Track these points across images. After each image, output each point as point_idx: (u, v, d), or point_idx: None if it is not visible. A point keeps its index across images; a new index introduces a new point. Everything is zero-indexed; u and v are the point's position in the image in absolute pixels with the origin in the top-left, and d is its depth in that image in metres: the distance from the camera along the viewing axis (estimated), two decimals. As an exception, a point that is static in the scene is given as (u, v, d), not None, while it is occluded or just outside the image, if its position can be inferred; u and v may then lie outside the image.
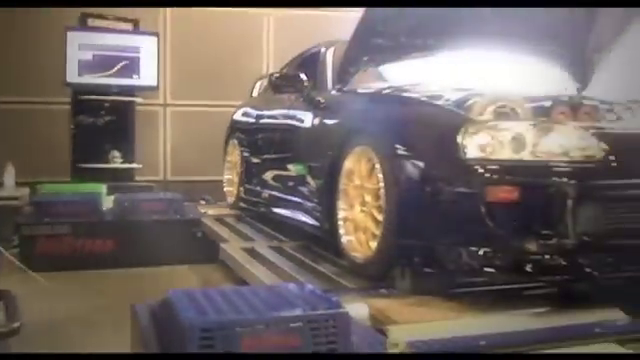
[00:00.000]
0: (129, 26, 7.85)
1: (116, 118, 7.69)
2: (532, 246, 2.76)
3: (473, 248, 2.84)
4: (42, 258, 5.12)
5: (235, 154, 6.21)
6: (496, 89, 3.42)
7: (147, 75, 7.76)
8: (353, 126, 3.68)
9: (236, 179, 6.11)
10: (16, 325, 2.65)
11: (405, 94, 3.72)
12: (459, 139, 2.83)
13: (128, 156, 7.68)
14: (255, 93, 6.71)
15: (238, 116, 6.39)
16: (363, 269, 3.40)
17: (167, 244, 5.32)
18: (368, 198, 3.37)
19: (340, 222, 3.63)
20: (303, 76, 4.55)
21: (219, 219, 5.79)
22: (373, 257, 3.28)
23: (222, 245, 4.64)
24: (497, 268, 2.83)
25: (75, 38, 7.43)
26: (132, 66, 7.68)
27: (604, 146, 2.82)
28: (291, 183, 4.59)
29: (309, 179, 4.16)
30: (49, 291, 4.46)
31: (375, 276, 3.29)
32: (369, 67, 4.18)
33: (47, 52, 7.60)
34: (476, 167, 2.79)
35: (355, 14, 3.78)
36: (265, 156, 5.37)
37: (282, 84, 4.69)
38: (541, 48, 4.33)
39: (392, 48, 4.02)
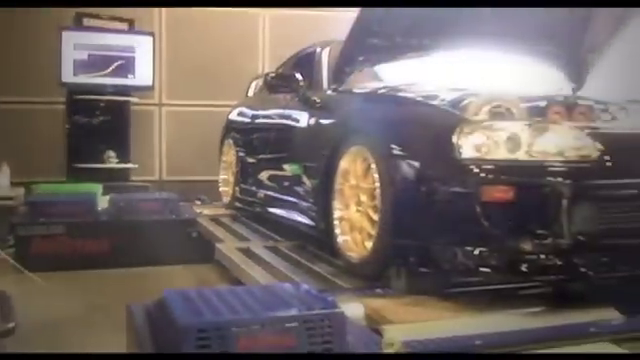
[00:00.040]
0: (124, 26, 7.85)
1: (111, 118, 7.69)
2: (527, 246, 2.76)
3: (468, 248, 2.84)
4: (37, 258, 5.11)
5: (231, 154, 6.21)
6: (491, 89, 3.42)
7: (142, 75, 7.76)
8: (349, 126, 3.69)
9: (232, 179, 6.11)
10: (11, 325, 2.65)
11: (401, 94, 3.72)
12: (454, 139, 2.83)
13: (123, 156, 7.67)
14: (250, 93, 6.71)
15: (234, 116, 6.39)
16: (359, 269, 3.40)
17: (163, 244, 5.32)
18: (364, 198, 3.37)
19: (336, 222, 3.63)
20: (299, 76, 4.55)
21: (215, 219, 5.78)
22: (369, 257, 3.28)
23: (218, 245, 4.64)
24: (492, 268, 2.84)
25: (70, 38, 7.43)
26: (127, 66, 7.67)
27: (599, 146, 2.83)
28: (287, 183, 4.59)
29: (305, 179, 4.16)
30: (44, 291, 4.45)
31: (371, 276, 3.29)
32: (365, 67, 4.18)
33: (42, 52, 7.59)
34: (471, 167, 2.80)
35: (351, 14, 3.77)
36: (261, 156, 5.37)
37: (278, 84, 4.70)
38: (536, 48, 4.33)
39: (388, 48, 4.02)
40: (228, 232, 5.20)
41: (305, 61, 4.92)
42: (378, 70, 4.35)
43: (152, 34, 7.95)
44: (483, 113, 3.02)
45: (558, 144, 2.81)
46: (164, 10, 8.43)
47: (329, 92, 4.30)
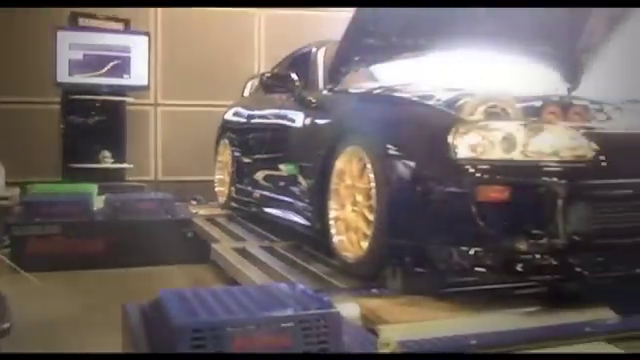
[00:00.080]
0: (120, 26, 7.83)
1: (107, 118, 7.67)
2: (523, 246, 2.77)
3: (464, 248, 2.85)
4: (33, 258, 5.10)
5: (226, 154, 6.20)
6: (487, 89, 3.43)
7: (138, 75, 7.74)
8: (344, 126, 3.69)
9: (227, 179, 6.10)
10: (6, 326, 2.64)
11: (396, 94, 3.73)
12: (450, 139, 2.84)
13: (119, 156, 7.66)
14: (246, 93, 6.70)
15: (229, 116, 6.39)
16: (354, 269, 3.40)
17: (158, 244, 5.31)
18: (359, 198, 3.38)
19: (331, 222, 3.63)
20: (294, 76, 4.55)
21: (210, 219, 5.78)
22: (364, 257, 3.29)
23: (213, 245, 4.63)
24: (488, 268, 2.84)
25: (65, 38, 7.41)
26: (123, 66, 7.66)
27: (594, 146, 2.84)
28: (282, 183, 4.59)
29: (300, 179, 4.16)
30: (40, 291, 4.44)
31: (366, 276, 3.29)
32: (360, 67, 4.18)
33: (37, 51, 7.57)
34: (467, 167, 2.80)
35: (346, 14, 3.78)
36: (256, 156, 5.37)
37: (273, 84, 4.70)
38: (532, 48, 4.34)
39: (383, 48, 4.02)
40: (224, 232, 5.20)
41: (301, 61, 4.92)
42: (374, 70, 4.35)
43: (148, 34, 7.94)
44: (478, 113, 3.02)
45: (553, 144, 2.82)
46: (160, 10, 8.42)
47: (325, 92, 4.30)
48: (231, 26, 8.56)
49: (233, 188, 5.91)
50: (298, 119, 4.37)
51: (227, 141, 6.21)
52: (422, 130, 3.15)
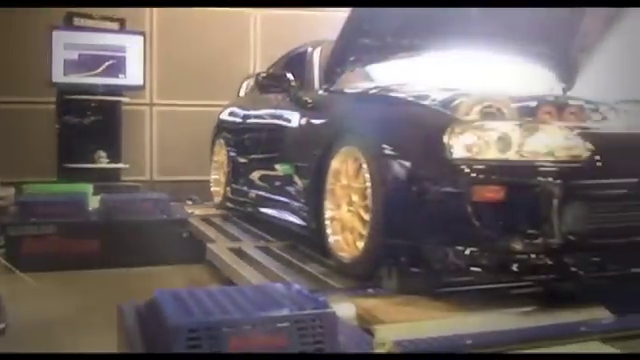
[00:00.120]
0: (115, 25, 7.82)
1: (102, 118, 7.67)
2: (518, 245, 2.77)
3: (459, 247, 2.85)
4: (28, 258, 5.08)
5: (222, 154, 6.20)
6: (482, 89, 3.43)
7: (133, 75, 7.74)
8: (340, 126, 3.69)
9: (223, 179, 6.10)
10: (1, 326, 2.64)
11: (392, 94, 3.73)
12: (445, 139, 2.84)
13: (114, 156, 7.66)
14: (242, 93, 6.70)
15: (225, 116, 6.39)
16: (350, 269, 3.40)
17: (154, 244, 5.31)
18: (355, 198, 3.38)
19: (327, 222, 3.63)
20: (290, 76, 4.55)
21: (206, 219, 5.78)
22: (360, 257, 3.29)
23: (209, 245, 4.63)
24: (483, 267, 2.84)
25: (61, 37, 7.40)
26: (118, 65, 7.65)
27: (589, 146, 2.84)
28: (278, 183, 4.59)
29: (296, 179, 4.16)
30: (35, 291, 4.43)
31: (362, 276, 3.29)
32: (356, 67, 4.18)
33: (32, 51, 7.56)
34: (462, 167, 2.80)
35: (342, 14, 3.78)
36: (252, 156, 5.37)
37: (269, 84, 4.69)
38: (527, 48, 4.35)
39: (379, 48, 4.02)
40: (219, 232, 5.20)
41: (296, 61, 4.92)
42: (369, 70, 4.35)
43: (143, 34, 7.93)
44: (474, 113, 3.03)
45: (548, 144, 2.82)
46: (155, 10, 8.41)
47: (320, 92, 4.30)
48: (227, 26, 8.56)
49: (229, 188, 5.91)
50: (294, 119, 4.37)
51: (223, 141, 6.21)
52: (418, 130, 3.15)
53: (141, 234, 5.41)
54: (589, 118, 3.37)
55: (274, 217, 4.63)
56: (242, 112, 5.90)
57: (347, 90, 4.11)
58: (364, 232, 3.25)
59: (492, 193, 2.75)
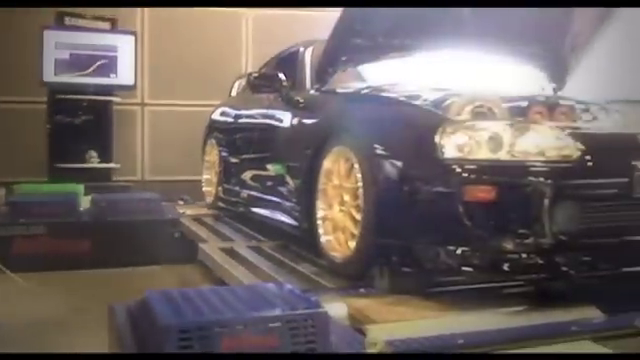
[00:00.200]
0: (107, 25, 7.80)
1: (93, 118, 7.65)
2: (509, 245, 2.78)
3: (451, 247, 2.86)
4: (18, 258, 5.07)
5: (213, 154, 6.20)
6: (473, 89, 3.43)
7: (124, 74, 7.72)
8: (332, 126, 3.69)
9: (215, 179, 6.09)
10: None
11: (383, 94, 3.73)
12: (437, 139, 2.84)
13: (105, 156, 7.64)
14: (234, 93, 6.70)
15: (216, 116, 6.38)
16: (342, 268, 3.40)
17: (145, 244, 5.30)
18: (347, 198, 3.38)
19: (319, 222, 3.63)
20: (282, 76, 4.55)
21: (197, 219, 5.77)
22: (352, 256, 3.29)
23: (201, 245, 4.62)
24: (475, 267, 2.85)
25: (52, 37, 7.38)
26: (109, 65, 7.63)
27: (580, 146, 2.85)
28: (270, 183, 4.59)
29: (288, 179, 4.16)
30: (25, 292, 4.42)
31: (354, 275, 3.29)
32: (348, 67, 4.18)
33: (23, 51, 7.53)
34: (454, 167, 2.81)
35: (334, 14, 3.77)
36: (244, 156, 5.36)
37: (261, 84, 4.68)
38: (518, 49, 4.35)
39: (370, 48, 4.02)
40: (211, 232, 5.19)
41: (288, 61, 4.92)
42: (361, 70, 4.35)
43: (134, 33, 7.92)
44: (465, 113, 3.03)
45: (539, 144, 2.83)
46: (146, 10, 8.39)
47: (312, 92, 4.29)
48: (219, 26, 8.55)
49: (220, 188, 5.90)
50: (285, 119, 4.37)
51: (214, 141, 6.20)
52: (409, 130, 3.15)
53: (132, 234, 5.40)
54: (580, 118, 3.38)
55: (266, 217, 4.63)
56: (234, 112, 5.89)
57: (339, 90, 4.11)
58: (356, 232, 3.25)
59: (483, 193, 2.76)
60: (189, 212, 6.16)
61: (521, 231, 2.77)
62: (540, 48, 4.37)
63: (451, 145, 2.83)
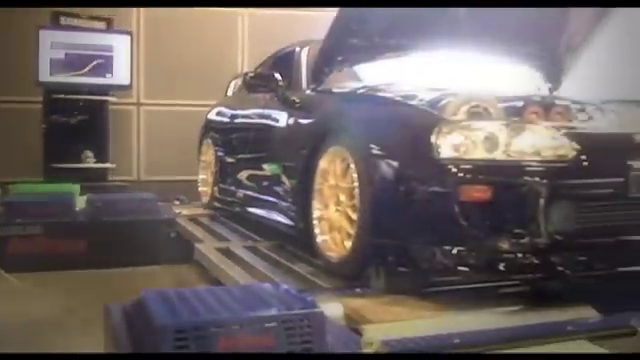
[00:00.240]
0: (102, 25, 7.80)
1: (89, 117, 7.65)
2: (505, 245, 2.78)
3: (447, 247, 2.86)
4: (14, 259, 5.05)
5: (209, 154, 6.19)
6: (469, 89, 3.44)
7: (120, 74, 7.72)
8: (328, 126, 3.69)
9: (210, 179, 6.09)
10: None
11: (379, 94, 3.73)
12: (433, 139, 2.84)
13: (101, 156, 7.63)
14: (230, 92, 6.69)
15: (212, 115, 6.37)
16: (338, 268, 3.40)
17: (141, 244, 5.30)
18: (343, 197, 3.38)
19: (315, 221, 3.63)
20: (278, 75, 4.55)
21: (193, 219, 5.76)
22: (348, 256, 3.29)
23: (197, 245, 4.62)
24: (471, 267, 2.85)
25: (47, 37, 7.37)
26: (105, 65, 7.63)
27: (576, 146, 2.85)
28: (266, 183, 4.58)
29: (284, 179, 4.16)
30: (21, 292, 4.41)
31: (350, 275, 3.29)
32: (344, 67, 4.18)
33: (19, 50, 7.52)
34: (450, 167, 2.81)
35: (330, 14, 3.78)
36: (240, 156, 5.36)
37: (257, 83, 4.68)
38: (514, 48, 4.35)
39: (366, 48, 4.02)
40: (207, 232, 5.18)
41: (284, 61, 4.91)
42: (357, 70, 4.35)
43: (130, 33, 7.91)
44: (461, 113, 3.03)
45: (535, 144, 2.83)
46: (142, 9, 8.39)
47: (308, 92, 4.29)
48: (214, 25, 8.55)
49: (216, 188, 5.89)
50: (281, 119, 4.37)
51: (210, 141, 6.20)
52: (405, 130, 3.15)
53: (128, 234, 5.39)
54: (575, 118, 3.39)
55: (262, 217, 4.63)
56: (230, 112, 5.89)
57: (335, 90, 4.11)
58: (352, 232, 3.25)
59: (479, 193, 2.76)
60: (185, 212, 6.15)
61: (517, 231, 2.77)
62: (536, 48, 4.37)
63: (447, 145, 2.83)
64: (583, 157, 2.83)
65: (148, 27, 8.43)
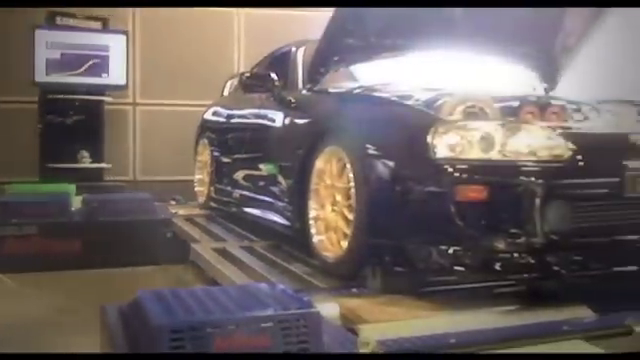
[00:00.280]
0: (98, 25, 7.79)
1: (85, 117, 7.64)
2: (501, 245, 2.78)
3: (443, 247, 2.86)
4: (9, 259, 5.05)
5: (206, 154, 6.19)
6: (465, 89, 3.44)
7: (116, 74, 7.72)
8: (324, 126, 3.69)
9: (207, 179, 6.08)
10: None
11: (376, 94, 3.73)
12: (429, 139, 2.84)
13: (97, 156, 7.63)
14: (226, 92, 6.69)
15: (209, 115, 6.37)
16: (334, 268, 3.40)
17: (137, 245, 5.29)
18: (339, 197, 3.38)
19: (311, 221, 3.63)
20: (274, 75, 4.55)
21: (190, 219, 5.76)
22: (344, 256, 3.29)
23: (193, 245, 4.61)
24: (467, 267, 2.85)
25: (43, 36, 7.37)
26: (101, 65, 7.63)
27: (571, 146, 2.85)
28: (262, 183, 4.58)
29: (280, 179, 4.16)
30: (16, 293, 4.40)
31: (346, 275, 3.29)
32: (340, 67, 4.18)
33: (14, 50, 7.51)
34: (446, 167, 2.81)
35: (326, 14, 3.78)
36: (236, 156, 5.36)
37: (253, 83, 4.68)
38: (510, 49, 4.36)
39: (363, 48, 4.02)
40: (203, 232, 5.18)
41: (280, 61, 4.91)
42: (353, 70, 4.35)
43: (126, 33, 7.90)
44: (457, 113, 3.03)
45: (531, 144, 2.83)
46: (138, 9, 8.38)
47: (304, 92, 4.29)
48: (211, 25, 8.54)
49: (212, 188, 5.89)
50: (278, 119, 4.37)
51: (206, 141, 6.19)
52: (401, 130, 3.15)
53: (124, 234, 5.38)
54: (571, 118, 3.39)
55: (258, 217, 4.63)
56: (226, 112, 5.88)
57: (331, 90, 4.11)
58: (348, 232, 3.25)
59: (475, 193, 2.76)
60: (181, 212, 6.14)
61: (513, 231, 2.78)
62: (532, 48, 4.38)
63: (443, 145, 2.83)
64: (579, 157, 2.84)
65: (144, 27, 8.43)
